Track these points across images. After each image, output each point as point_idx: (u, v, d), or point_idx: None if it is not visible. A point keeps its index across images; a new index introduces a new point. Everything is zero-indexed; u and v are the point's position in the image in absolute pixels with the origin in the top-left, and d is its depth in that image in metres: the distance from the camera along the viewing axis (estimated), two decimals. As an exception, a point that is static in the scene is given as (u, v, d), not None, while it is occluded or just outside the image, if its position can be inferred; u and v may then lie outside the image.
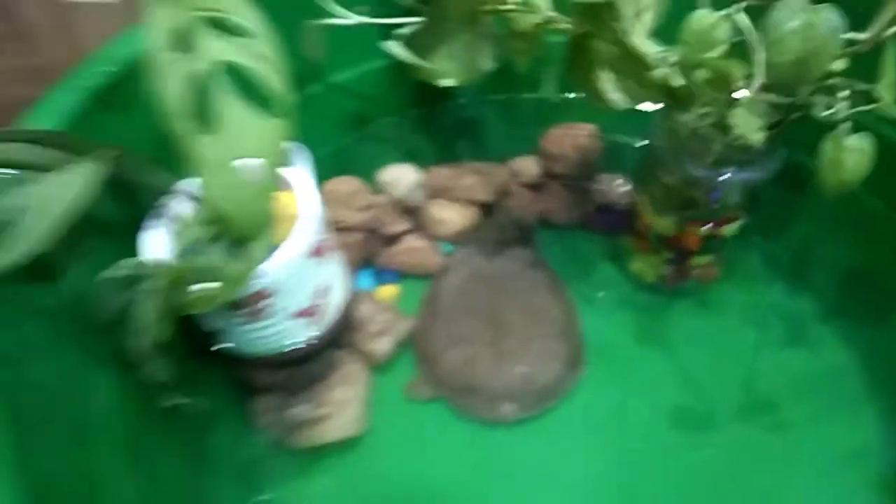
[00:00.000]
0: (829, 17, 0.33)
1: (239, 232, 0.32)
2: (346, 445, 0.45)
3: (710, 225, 0.50)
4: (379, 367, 0.49)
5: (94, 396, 0.35)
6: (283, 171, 0.42)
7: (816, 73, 0.34)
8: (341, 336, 0.48)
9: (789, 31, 0.33)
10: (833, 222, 0.53)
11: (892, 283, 0.49)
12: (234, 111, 0.31)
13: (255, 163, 0.32)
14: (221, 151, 0.31)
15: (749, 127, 0.42)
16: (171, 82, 0.29)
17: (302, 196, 0.41)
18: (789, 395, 0.49)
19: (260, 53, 0.32)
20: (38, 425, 0.31)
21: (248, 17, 0.32)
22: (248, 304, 0.39)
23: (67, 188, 0.30)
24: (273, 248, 0.38)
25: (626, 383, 0.50)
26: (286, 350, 0.44)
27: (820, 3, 0.33)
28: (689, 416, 0.48)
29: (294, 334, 0.43)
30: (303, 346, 0.44)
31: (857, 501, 0.44)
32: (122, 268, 0.35)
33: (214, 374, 0.46)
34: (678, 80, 0.42)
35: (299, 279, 0.40)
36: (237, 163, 0.32)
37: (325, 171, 0.54)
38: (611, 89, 0.41)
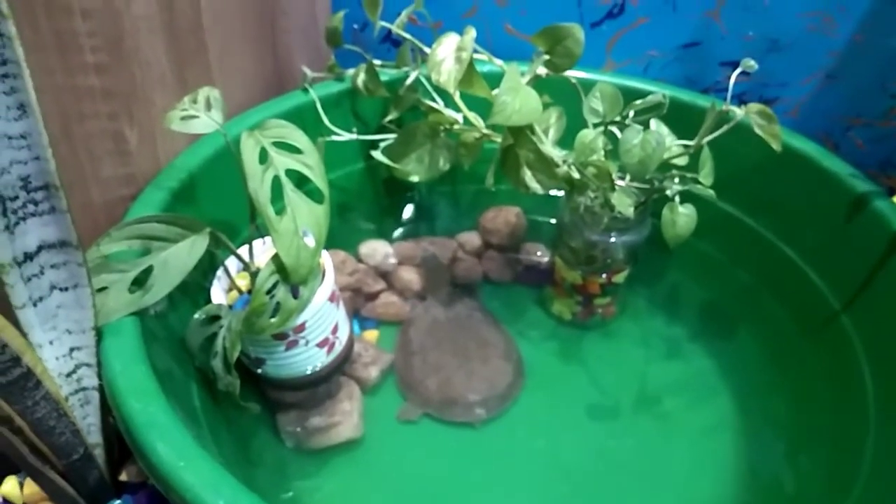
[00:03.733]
0: (658, 135, 0.54)
1: (296, 279, 0.49)
2: (351, 446, 0.61)
3: (605, 275, 0.70)
4: (369, 389, 0.65)
5: (191, 397, 0.50)
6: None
7: (652, 168, 0.55)
8: (343, 365, 0.64)
9: (633, 145, 0.54)
10: (688, 268, 0.74)
11: (733, 309, 0.70)
12: (296, 200, 0.49)
13: (308, 233, 0.49)
14: (289, 225, 0.48)
15: (624, 204, 0.62)
16: (259, 182, 0.47)
17: (326, 263, 0.58)
18: (669, 393, 0.67)
19: (309, 163, 0.50)
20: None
21: (300, 141, 0.50)
22: (290, 335, 0.55)
23: (188, 253, 0.47)
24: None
25: (555, 392, 0.67)
26: (308, 374, 0.59)
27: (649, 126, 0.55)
28: (602, 412, 0.66)
29: (315, 360, 0.58)
30: (319, 370, 0.60)
31: (717, 463, 0.62)
32: (205, 311, 0.51)
33: (255, 393, 0.61)
34: (575, 174, 0.62)
35: (323, 316, 0.56)
36: (298, 233, 0.49)
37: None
38: (530, 180, 0.61)
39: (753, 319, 0.69)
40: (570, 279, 0.70)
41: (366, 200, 0.77)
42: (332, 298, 0.57)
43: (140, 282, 0.47)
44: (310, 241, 0.49)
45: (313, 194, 0.50)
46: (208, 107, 0.50)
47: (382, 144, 0.67)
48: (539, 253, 0.77)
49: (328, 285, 0.55)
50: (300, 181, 0.50)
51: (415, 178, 0.67)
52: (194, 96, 0.50)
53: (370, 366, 0.65)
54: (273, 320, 0.49)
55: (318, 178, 0.50)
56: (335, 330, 0.59)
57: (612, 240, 0.66)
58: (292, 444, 0.60)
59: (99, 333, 0.45)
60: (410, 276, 0.75)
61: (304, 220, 0.49)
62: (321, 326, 0.56)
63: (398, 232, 0.78)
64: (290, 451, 0.60)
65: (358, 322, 0.72)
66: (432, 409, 0.63)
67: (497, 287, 0.76)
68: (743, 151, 0.61)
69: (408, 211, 0.79)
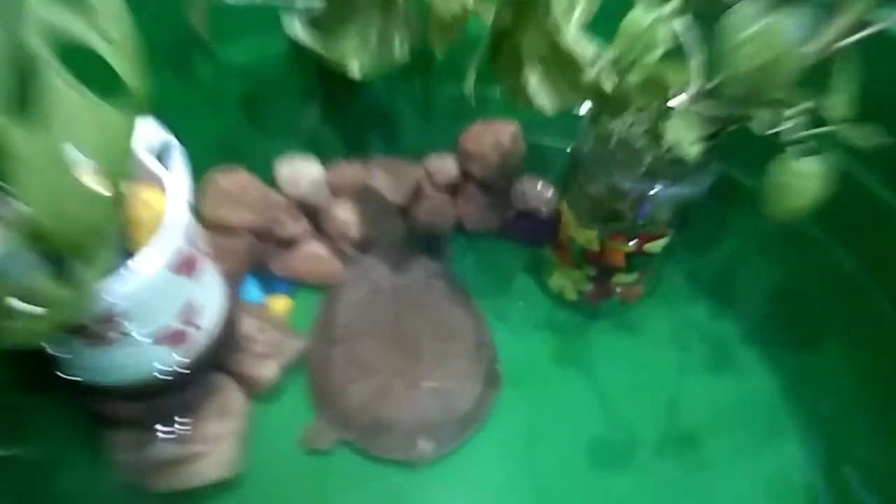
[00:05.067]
0: (792, 22, 0.29)
1: (62, 248, 0.25)
2: (218, 491, 0.39)
3: (636, 241, 0.46)
4: (262, 395, 0.43)
5: None
6: (151, 165, 0.35)
7: (775, 86, 0.30)
8: (220, 357, 0.41)
9: (747, 38, 0.29)
10: (762, 241, 0.50)
11: (820, 308, 0.47)
12: (67, 99, 0.24)
13: (90, 163, 0.25)
14: (44, 147, 0.24)
15: (684, 139, 0.38)
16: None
17: (172, 197, 0.34)
18: (710, 427, 0.46)
19: (106, 30, 0.25)
20: None
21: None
22: (94, 329, 0.32)
23: None
24: (127, 259, 0.31)
25: (541, 410, 0.46)
26: (141, 379, 0.37)
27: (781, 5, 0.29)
28: (607, 448, 0.45)
29: (155, 361, 0.36)
30: (163, 375, 0.37)
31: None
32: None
33: (60, 404, 0.38)
34: (609, 84, 0.37)
35: (161, 298, 0.33)
36: (66, 162, 0.24)
37: (209, 161, 0.47)
38: (536, 89, 0.36)
39: (852, 327, 0.46)
40: (583, 241, 0.46)
41: (289, 96, 0.52)
42: (183, 267, 0.33)
43: None
44: (88, 177, 0.25)
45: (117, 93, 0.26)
46: None
47: (306, 11, 0.41)
48: (540, 196, 0.53)
49: (171, 245, 0.32)
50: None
51: (354, 68, 0.42)
52: None
53: (266, 359, 0.43)
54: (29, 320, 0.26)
55: (122, 59, 0.25)
56: (190, 315, 0.36)
57: (654, 191, 0.42)
58: (124, 482, 0.38)
59: None
60: (348, 217, 0.51)
61: (81, 134, 0.25)
62: (155, 313, 0.33)
63: (337, 149, 0.53)
64: (123, 492, 0.38)
65: (259, 284, 0.48)
66: (354, 436, 0.42)
67: (474, 241, 0.53)
68: (881, 75, 0.36)
69: (354, 117, 0.54)
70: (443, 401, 0.42)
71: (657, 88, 0.37)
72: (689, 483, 0.44)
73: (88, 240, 0.25)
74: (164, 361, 0.36)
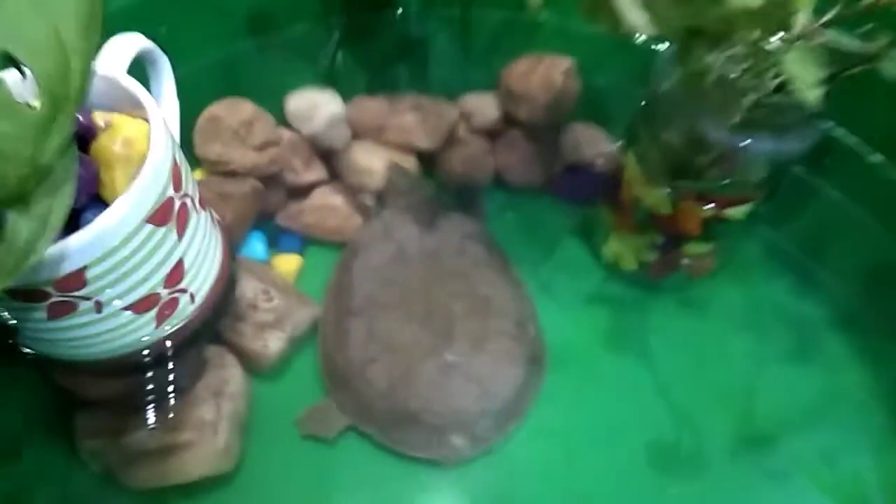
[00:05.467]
0: None
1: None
2: (210, 487, 0.32)
3: (716, 203, 0.38)
4: (266, 373, 0.36)
5: None
6: (133, 90, 0.27)
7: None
8: (216, 326, 0.34)
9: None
10: (860, 210, 0.42)
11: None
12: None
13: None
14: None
15: (804, 79, 0.30)
16: None
17: (157, 130, 0.26)
18: (790, 428, 0.39)
19: None
20: None
21: None
22: (59, 297, 0.24)
23: None
24: (100, 210, 0.24)
25: (589, 400, 0.38)
26: (124, 353, 0.30)
27: None
28: (667, 449, 0.38)
29: (135, 334, 0.29)
30: (143, 348, 0.30)
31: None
32: None
33: (22, 381, 0.32)
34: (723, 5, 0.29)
35: (142, 259, 0.26)
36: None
37: (206, 90, 0.39)
38: (629, 8, 0.28)
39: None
40: (651, 201, 0.39)
41: (305, 16, 0.43)
42: (164, 217, 0.26)
43: None
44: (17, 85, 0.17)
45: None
46: None
47: None
48: (596, 146, 0.45)
49: (152, 192, 0.24)
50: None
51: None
52: None
53: (270, 330, 0.36)
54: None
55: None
56: (180, 278, 0.28)
57: (748, 144, 0.34)
58: (98, 475, 0.32)
59: None
60: (372, 163, 0.43)
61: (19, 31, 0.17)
62: (135, 277, 0.26)
63: (359, 82, 0.45)
64: (100, 484, 0.32)
65: (264, 237, 0.41)
66: (373, 428, 0.35)
67: (515, 197, 0.46)
68: None
69: (381, 46, 0.46)
70: (480, 388, 0.35)
71: (782, 11, 0.29)
72: (762, 493, 0.37)
73: (23, 175, 0.18)
74: (147, 334, 0.29)
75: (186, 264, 0.29)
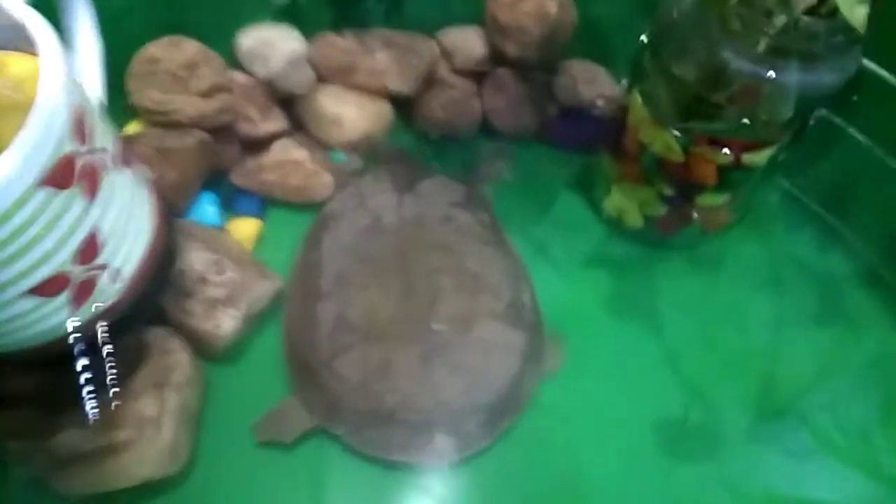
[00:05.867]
0: None
1: None
2: (153, 493, 0.28)
3: (731, 149, 0.33)
4: (219, 358, 0.31)
5: None
6: (20, 17, 0.22)
7: None
8: (158, 304, 0.29)
9: None
10: (892, 157, 0.37)
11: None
12: None
13: None
14: None
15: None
16: None
17: (49, 67, 0.21)
18: (817, 398, 0.35)
19: None
20: None
21: None
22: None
23: None
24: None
25: (592, 375, 0.34)
26: (40, 343, 0.25)
27: None
28: (680, 428, 0.34)
29: (42, 321, 0.24)
30: (73, 334, 0.25)
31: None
32: None
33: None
34: None
35: (33, 229, 0.21)
36: None
37: (143, 27, 0.34)
38: None
39: None
40: (659, 148, 0.35)
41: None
42: (68, 180, 0.21)
43: None
44: None
45: None
46: None
47: None
48: (596, 85, 0.40)
49: (45, 147, 0.20)
50: None
51: None
52: None
53: (223, 307, 0.31)
54: None
55: None
56: (89, 251, 0.23)
57: (776, 75, 0.29)
58: (27, 475, 0.28)
59: None
60: (342, 110, 0.38)
61: None
62: (33, 252, 0.21)
63: (325, 15, 0.39)
64: (27, 491, 0.28)
65: (216, 199, 0.36)
66: (342, 427, 0.30)
67: (506, 144, 0.40)
68: None
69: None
70: (467, 379, 0.30)
71: None
72: (781, 472, 0.33)
73: None
74: (62, 321, 0.24)
75: (102, 235, 0.23)
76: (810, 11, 0.29)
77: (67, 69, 0.22)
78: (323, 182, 0.37)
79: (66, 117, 0.21)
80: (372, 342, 0.30)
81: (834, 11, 0.28)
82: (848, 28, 0.28)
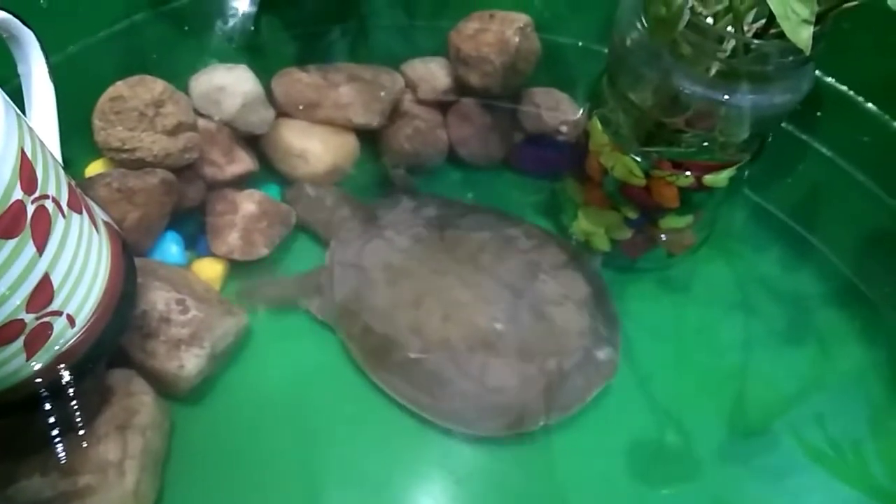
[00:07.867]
0: None
1: None
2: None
3: (692, 172, 0.34)
4: (184, 398, 0.31)
5: None
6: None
7: None
8: (111, 348, 0.29)
9: None
10: (854, 168, 0.38)
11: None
12: None
13: None
14: None
15: (795, 16, 0.25)
16: None
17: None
18: (788, 418, 0.35)
19: None
20: None
21: None
22: None
23: None
24: None
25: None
26: (2, 388, 0.25)
27: None
28: (653, 452, 0.33)
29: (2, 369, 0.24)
30: (29, 381, 0.25)
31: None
32: None
33: None
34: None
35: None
36: None
37: (108, 69, 0.34)
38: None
39: None
40: (621, 172, 0.35)
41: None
42: (5, 227, 0.21)
43: None
44: None
45: None
46: None
47: None
48: (559, 112, 0.40)
49: None
50: None
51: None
52: None
53: (187, 347, 0.30)
54: None
55: None
56: (41, 298, 0.23)
57: (730, 98, 0.29)
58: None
59: None
60: (306, 145, 0.38)
61: None
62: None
63: (288, 51, 0.40)
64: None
65: (180, 239, 0.36)
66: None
67: (472, 174, 0.42)
68: None
69: (309, 8, 0.41)
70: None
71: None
72: (760, 494, 0.33)
73: None
74: (17, 369, 0.24)
75: (55, 282, 0.23)
76: (759, 34, 0.29)
77: (14, 116, 0.22)
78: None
79: (12, 165, 0.21)
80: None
81: (782, 34, 0.28)
82: (797, 49, 0.28)
